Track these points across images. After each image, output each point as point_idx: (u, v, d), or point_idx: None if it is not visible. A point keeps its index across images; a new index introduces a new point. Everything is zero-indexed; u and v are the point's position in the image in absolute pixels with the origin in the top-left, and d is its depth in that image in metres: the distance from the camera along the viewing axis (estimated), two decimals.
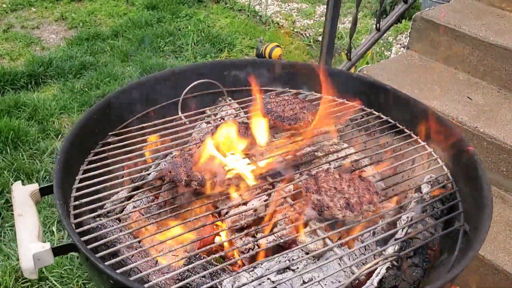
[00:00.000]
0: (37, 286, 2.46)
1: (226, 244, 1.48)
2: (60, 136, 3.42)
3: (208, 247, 1.37)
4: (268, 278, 1.30)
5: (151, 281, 1.28)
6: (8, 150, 3.19)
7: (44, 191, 1.39)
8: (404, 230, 1.43)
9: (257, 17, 5.20)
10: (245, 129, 1.68)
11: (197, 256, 1.38)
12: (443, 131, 1.71)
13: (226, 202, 1.52)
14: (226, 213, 1.51)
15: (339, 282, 1.33)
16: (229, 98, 1.96)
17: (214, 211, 1.49)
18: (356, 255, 1.43)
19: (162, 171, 1.53)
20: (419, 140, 1.78)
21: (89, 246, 1.25)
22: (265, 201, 1.52)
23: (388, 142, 1.79)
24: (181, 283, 1.25)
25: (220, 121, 1.83)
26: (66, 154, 1.46)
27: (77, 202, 1.42)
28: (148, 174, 1.63)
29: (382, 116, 1.89)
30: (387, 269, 1.31)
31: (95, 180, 1.51)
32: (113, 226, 1.42)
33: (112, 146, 1.67)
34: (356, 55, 3.38)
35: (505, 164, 2.58)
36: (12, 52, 4.39)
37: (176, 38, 4.60)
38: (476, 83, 3.07)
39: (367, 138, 1.82)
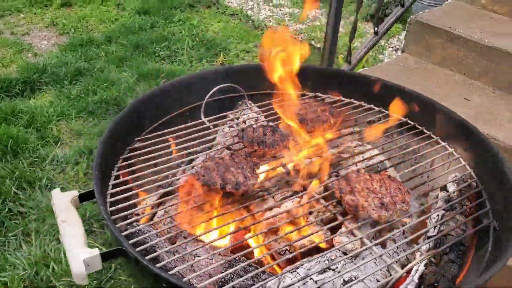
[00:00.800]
0: None
1: (263, 248, 1.49)
2: (59, 143, 3.38)
3: (246, 251, 1.38)
4: (311, 278, 1.32)
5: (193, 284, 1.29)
6: (8, 158, 3.15)
7: (83, 197, 1.38)
8: (437, 228, 1.47)
9: (250, 21, 5.22)
10: (272, 132, 1.69)
11: (237, 259, 1.39)
12: (462, 131, 1.75)
13: (260, 204, 1.53)
14: (260, 216, 1.52)
15: (377, 280, 1.36)
16: (250, 101, 1.97)
17: (249, 214, 1.50)
18: (390, 254, 1.45)
19: (194, 176, 1.54)
20: (439, 141, 1.81)
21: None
22: (298, 202, 1.53)
23: (409, 143, 1.82)
24: (226, 287, 1.26)
25: (242, 124, 1.84)
26: (100, 160, 1.46)
27: (113, 208, 1.41)
28: (178, 179, 1.63)
29: (402, 118, 1.92)
30: (425, 265, 1.34)
31: (127, 186, 1.51)
32: (150, 231, 1.42)
33: (138, 152, 1.67)
34: (355, 59, 3.42)
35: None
36: (4, 59, 4.32)
37: (171, 43, 4.59)
38: (472, 84, 3.13)
39: (388, 140, 1.85)
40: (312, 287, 1.30)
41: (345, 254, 1.41)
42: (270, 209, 1.52)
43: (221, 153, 1.73)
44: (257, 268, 1.35)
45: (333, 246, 1.45)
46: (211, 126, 1.82)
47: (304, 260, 1.37)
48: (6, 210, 2.83)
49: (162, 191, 1.59)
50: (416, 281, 1.30)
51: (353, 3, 5.58)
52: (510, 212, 1.43)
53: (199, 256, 1.41)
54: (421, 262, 1.35)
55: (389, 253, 1.45)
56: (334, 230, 1.49)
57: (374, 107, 1.97)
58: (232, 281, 1.32)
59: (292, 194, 1.56)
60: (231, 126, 1.87)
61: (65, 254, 2.67)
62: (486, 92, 3.06)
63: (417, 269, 1.34)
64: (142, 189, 1.54)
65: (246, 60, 4.47)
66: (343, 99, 2.02)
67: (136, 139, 1.70)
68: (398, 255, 1.42)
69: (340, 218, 1.46)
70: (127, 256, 1.20)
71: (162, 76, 3.99)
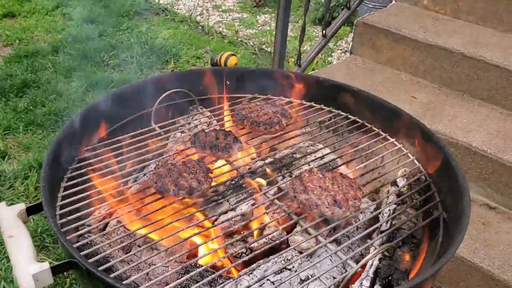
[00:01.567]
0: None
1: (219, 251, 1.48)
2: (6, 157, 3.27)
3: (202, 256, 1.37)
4: (268, 279, 1.32)
5: None
6: None
7: (31, 210, 1.34)
8: (389, 223, 1.50)
9: (199, 27, 5.21)
10: (224, 136, 1.69)
11: (193, 265, 1.38)
12: (409, 126, 1.80)
13: (215, 209, 1.53)
14: (215, 220, 1.51)
15: (333, 277, 1.37)
16: (201, 106, 1.97)
17: (204, 219, 1.49)
18: (344, 250, 1.48)
19: (146, 183, 1.52)
20: (388, 137, 1.86)
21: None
22: (252, 205, 1.54)
23: (358, 140, 1.85)
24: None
25: (194, 129, 1.83)
26: (48, 171, 1.41)
27: (63, 220, 1.37)
28: (129, 188, 1.60)
29: (350, 116, 1.96)
30: (380, 260, 1.37)
31: (77, 197, 1.47)
32: (103, 241, 1.39)
33: (88, 161, 1.63)
34: (305, 61, 3.47)
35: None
36: None
37: (120, 51, 4.52)
38: (418, 83, 3.23)
39: (338, 138, 1.88)
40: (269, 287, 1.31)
41: (301, 253, 1.42)
42: (225, 212, 1.52)
43: (174, 159, 1.71)
44: (214, 273, 1.34)
45: (289, 246, 1.46)
46: (162, 133, 1.80)
47: (260, 261, 1.37)
48: None
49: (113, 200, 1.55)
50: (371, 275, 1.33)
51: (302, 7, 5.67)
52: (457, 203, 1.48)
53: (155, 264, 1.39)
54: (375, 256, 1.37)
55: (344, 250, 1.47)
56: (290, 230, 1.50)
57: (324, 107, 2.00)
58: (189, 287, 1.30)
59: (246, 197, 1.56)
60: (183, 132, 1.85)
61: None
62: (432, 89, 3.16)
63: (372, 264, 1.37)
64: (93, 199, 1.50)
65: (198, 66, 4.45)
66: (294, 100, 2.04)
67: (85, 148, 1.66)
68: (352, 251, 1.45)
69: (294, 217, 1.47)
70: (79, 268, 1.17)
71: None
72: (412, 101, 3.05)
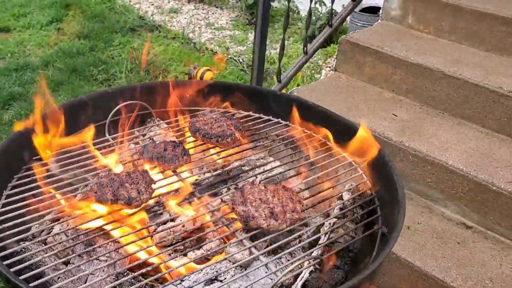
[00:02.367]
0: None
1: (155, 260, 1.49)
2: None
3: (136, 263, 1.38)
4: None
5: None
6: None
7: None
8: (327, 236, 1.50)
9: (191, 44, 5.27)
10: (173, 147, 1.71)
11: (124, 273, 1.39)
12: (359, 141, 1.81)
13: (154, 219, 1.54)
14: (155, 230, 1.52)
15: None
16: (158, 118, 1.99)
17: (142, 228, 1.50)
18: (282, 262, 1.48)
19: (87, 192, 1.53)
20: (341, 152, 1.87)
21: (12, 269, 1.23)
22: (192, 216, 1.54)
23: (311, 154, 1.86)
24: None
25: (148, 141, 1.85)
26: None
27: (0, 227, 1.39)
28: (75, 196, 1.62)
29: (306, 130, 1.97)
30: (310, 272, 1.37)
31: (19, 204, 1.49)
32: (37, 248, 1.40)
33: (36, 170, 1.65)
34: (286, 77, 3.50)
35: (429, 175, 2.73)
36: None
37: (109, 66, 4.58)
38: (400, 101, 3.24)
39: (292, 152, 1.89)
40: None
41: (234, 264, 1.42)
42: (164, 223, 1.53)
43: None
44: (142, 281, 1.35)
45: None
46: (115, 143, 1.82)
47: (190, 272, 1.37)
48: None
49: (57, 207, 1.57)
50: (299, 287, 1.33)
51: (294, 25, 5.73)
52: (396, 217, 1.48)
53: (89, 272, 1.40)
54: (306, 269, 1.37)
55: (281, 262, 1.47)
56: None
57: (282, 121, 2.01)
58: None
59: (187, 208, 1.57)
60: (137, 143, 1.87)
61: None
62: (413, 107, 3.17)
63: (302, 277, 1.37)
64: (39, 205, 1.52)
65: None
66: (253, 114, 2.06)
67: (33, 158, 1.68)
68: (290, 262, 1.45)
69: (231, 229, 1.48)
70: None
71: None
72: (392, 118, 3.06)
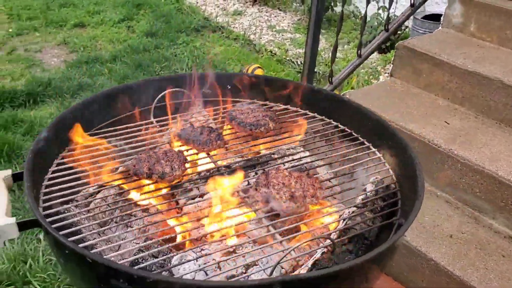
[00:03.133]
0: None
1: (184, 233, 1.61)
2: None
3: (164, 228, 1.51)
4: (214, 259, 1.43)
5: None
6: (2, 162, 3.36)
7: (17, 177, 1.54)
8: (344, 222, 1.56)
9: (251, 45, 5.42)
10: (208, 132, 1.83)
11: (151, 238, 1.52)
12: (390, 139, 1.86)
13: (184, 194, 1.66)
14: (185, 203, 1.65)
15: (281, 267, 1.46)
16: (199, 105, 2.12)
17: (171, 200, 1.63)
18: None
19: (127, 166, 1.68)
20: (371, 147, 1.92)
21: (53, 226, 1.39)
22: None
23: (344, 148, 1.93)
24: (134, 257, 1.39)
25: (188, 125, 1.98)
26: (40, 145, 1.61)
27: (47, 190, 1.56)
28: (116, 169, 1.77)
29: (340, 126, 2.03)
30: (322, 253, 1.44)
31: (66, 172, 1.66)
32: (77, 211, 1.56)
33: (85, 144, 1.82)
34: (337, 79, 3.55)
35: (478, 185, 2.68)
36: (14, 72, 4.61)
37: (172, 63, 4.81)
38: (455, 109, 3.19)
39: (325, 145, 1.96)
40: (213, 266, 1.42)
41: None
42: (193, 198, 1.65)
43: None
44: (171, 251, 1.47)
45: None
46: (158, 126, 1.97)
47: (211, 241, 1.48)
48: None
49: (101, 182, 1.73)
50: (309, 266, 1.40)
51: (355, 30, 5.75)
52: (413, 211, 1.52)
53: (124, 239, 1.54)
54: (320, 249, 1.45)
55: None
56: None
57: (317, 116, 2.09)
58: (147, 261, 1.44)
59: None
60: (178, 127, 2.01)
61: (43, 253, 2.83)
62: (468, 116, 3.11)
63: (315, 256, 1.44)
64: (84, 174, 1.68)
65: None
66: (290, 108, 2.15)
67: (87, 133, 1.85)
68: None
69: (252, 208, 1.57)
70: (41, 226, 1.34)
71: None
72: (444, 126, 3.02)
